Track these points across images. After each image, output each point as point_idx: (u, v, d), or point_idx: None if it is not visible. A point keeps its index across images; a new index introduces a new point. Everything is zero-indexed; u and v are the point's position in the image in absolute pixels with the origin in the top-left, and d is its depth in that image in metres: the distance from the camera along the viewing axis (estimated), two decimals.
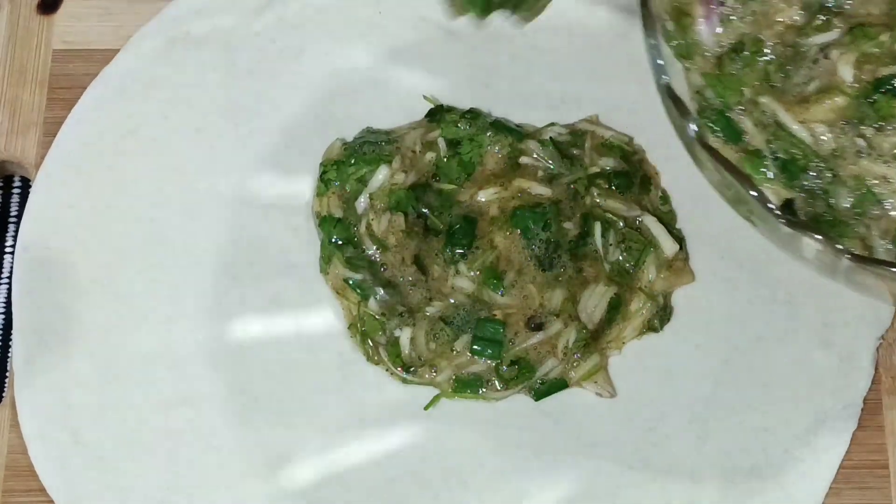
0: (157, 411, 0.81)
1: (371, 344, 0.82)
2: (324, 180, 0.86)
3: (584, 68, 0.89)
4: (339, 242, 0.84)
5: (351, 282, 0.83)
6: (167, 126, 0.88)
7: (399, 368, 0.81)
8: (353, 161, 0.86)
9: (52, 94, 0.89)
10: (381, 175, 0.85)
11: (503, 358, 0.81)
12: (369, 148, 0.86)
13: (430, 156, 0.86)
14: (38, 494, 0.80)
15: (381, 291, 0.82)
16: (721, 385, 0.81)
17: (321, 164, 0.86)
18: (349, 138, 0.87)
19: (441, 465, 0.80)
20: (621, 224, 0.83)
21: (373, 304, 0.82)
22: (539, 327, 0.81)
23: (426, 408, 0.81)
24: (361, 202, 0.85)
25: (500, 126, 0.87)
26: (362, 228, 0.84)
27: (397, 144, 0.87)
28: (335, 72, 0.89)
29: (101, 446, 0.80)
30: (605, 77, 0.89)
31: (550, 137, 0.86)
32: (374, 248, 0.84)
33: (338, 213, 0.85)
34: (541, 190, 0.84)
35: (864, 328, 0.83)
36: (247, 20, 0.90)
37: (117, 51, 0.90)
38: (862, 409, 0.81)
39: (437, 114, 0.88)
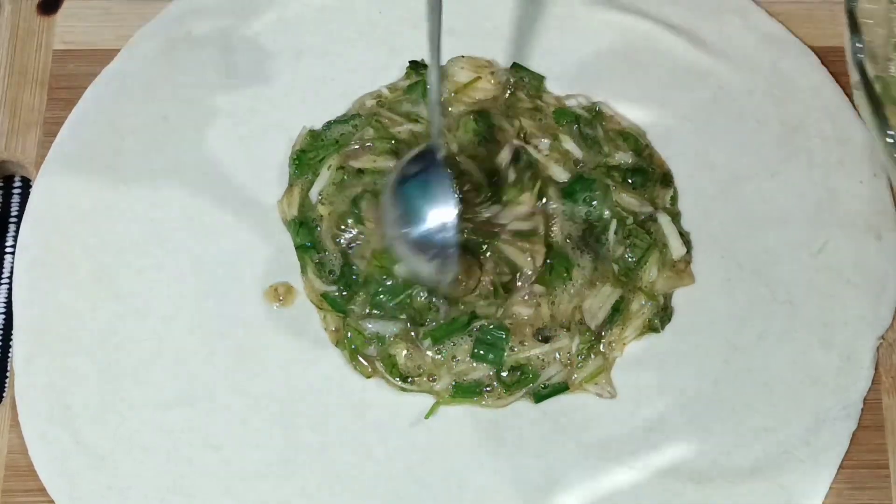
0: (157, 411, 0.81)
1: (363, 360, 0.82)
2: (290, 175, 0.86)
3: (586, 68, 0.89)
4: (308, 246, 0.83)
5: (329, 296, 0.82)
6: (167, 126, 0.88)
7: (396, 378, 0.81)
8: (315, 146, 0.85)
9: (52, 94, 0.89)
10: (332, 162, 0.84)
11: (504, 363, 0.80)
12: (336, 130, 0.86)
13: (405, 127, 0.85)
14: (38, 494, 0.80)
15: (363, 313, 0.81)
16: (721, 385, 0.81)
17: (290, 156, 0.86)
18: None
19: (441, 466, 0.80)
20: (630, 220, 0.83)
21: (369, 328, 0.81)
22: (546, 340, 0.81)
23: (426, 416, 0.81)
24: (314, 194, 0.84)
25: (520, 67, 0.87)
26: (322, 227, 0.83)
27: (376, 117, 0.85)
28: (335, 72, 0.89)
29: (101, 446, 0.80)
30: (605, 76, 0.89)
31: (573, 111, 0.86)
32: (335, 250, 0.83)
33: (294, 212, 0.84)
34: (574, 149, 0.84)
35: (864, 328, 0.83)
36: (247, 20, 0.90)
37: (117, 51, 0.90)
38: (862, 409, 0.81)
39: (419, 66, 0.88)
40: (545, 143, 0.85)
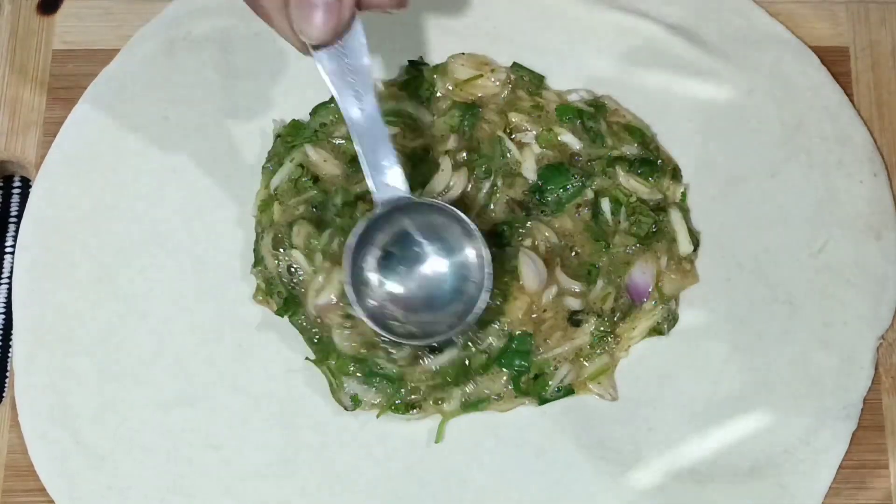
0: (157, 411, 0.81)
1: (350, 392, 0.81)
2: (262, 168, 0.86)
3: (585, 68, 0.89)
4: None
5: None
6: (167, 126, 0.88)
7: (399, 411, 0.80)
8: (294, 133, 0.86)
9: (52, 94, 0.89)
10: (295, 155, 0.84)
11: (531, 366, 0.80)
12: (319, 119, 0.86)
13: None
14: (38, 494, 0.80)
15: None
16: (721, 385, 0.81)
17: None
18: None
19: (441, 465, 0.80)
20: (633, 198, 0.83)
21: (348, 388, 0.80)
22: (577, 324, 0.81)
23: (437, 441, 0.80)
24: (274, 184, 0.84)
25: (520, 66, 0.87)
26: (264, 238, 0.83)
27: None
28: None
29: (101, 446, 0.80)
30: (604, 76, 0.89)
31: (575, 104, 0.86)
32: (275, 270, 0.82)
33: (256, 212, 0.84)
34: (572, 140, 0.84)
35: (864, 328, 0.83)
36: (247, 20, 0.90)
37: (117, 51, 0.90)
38: (862, 409, 0.81)
39: (418, 65, 0.88)
40: (531, 134, 0.85)
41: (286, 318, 0.82)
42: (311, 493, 0.79)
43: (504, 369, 0.80)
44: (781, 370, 0.82)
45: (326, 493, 0.79)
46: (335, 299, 0.80)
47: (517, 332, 0.80)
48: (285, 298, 0.82)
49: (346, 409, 0.80)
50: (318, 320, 0.81)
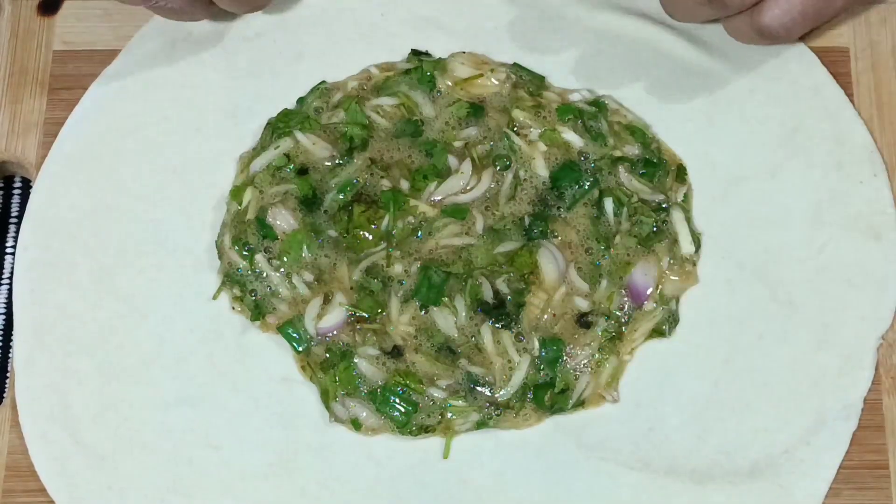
0: (157, 411, 0.81)
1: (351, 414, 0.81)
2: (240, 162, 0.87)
3: (586, 68, 0.89)
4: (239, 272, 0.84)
5: (285, 331, 0.82)
6: (167, 126, 0.88)
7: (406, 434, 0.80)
8: (286, 120, 0.86)
9: (53, 94, 0.89)
10: (282, 144, 0.84)
11: (559, 375, 0.80)
12: (310, 100, 0.87)
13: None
14: (38, 494, 0.80)
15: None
16: (721, 385, 0.81)
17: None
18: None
19: (441, 466, 0.80)
20: (634, 198, 0.83)
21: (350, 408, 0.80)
22: (587, 325, 0.81)
23: (445, 457, 0.80)
24: (254, 167, 0.85)
25: (520, 67, 0.87)
26: (228, 231, 0.84)
27: (356, 100, 0.85)
28: (335, 72, 0.89)
29: (101, 446, 0.80)
30: (605, 77, 0.89)
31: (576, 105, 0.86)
32: (243, 264, 0.82)
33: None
34: (575, 139, 0.84)
35: (864, 328, 0.83)
36: (247, 20, 0.90)
37: (118, 51, 0.90)
38: (862, 409, 0.81)
39: (420, 55, 0.88)
40: (535, 132, 0.85)
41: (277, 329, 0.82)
42: (311, 494, 0.79)
43: (529, 391, 0.80)
44: (781, 370, 0.82)
45: (326, 494, 0.79)
46: (344, 319, 0.80)
47: (547, 337, 0.80)
48: (255, 302, 0.82)
49: (336, 419, 0.80)
50: (323, 338, 0.81)
